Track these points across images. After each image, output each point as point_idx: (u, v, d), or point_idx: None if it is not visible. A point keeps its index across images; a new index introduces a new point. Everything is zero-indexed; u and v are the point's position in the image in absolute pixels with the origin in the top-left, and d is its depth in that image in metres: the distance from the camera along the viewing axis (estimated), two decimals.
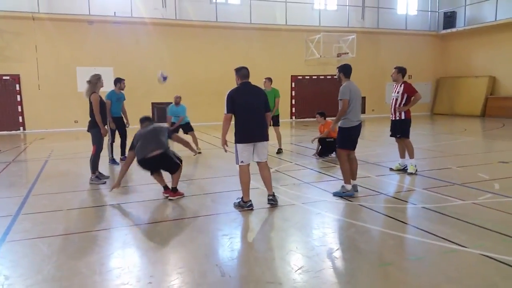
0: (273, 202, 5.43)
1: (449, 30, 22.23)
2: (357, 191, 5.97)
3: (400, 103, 7.46)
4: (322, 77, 20.80)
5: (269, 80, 9.96)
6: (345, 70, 6.01)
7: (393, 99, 7.58)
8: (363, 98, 21.71)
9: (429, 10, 23.14)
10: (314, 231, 4.60)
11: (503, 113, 19.28)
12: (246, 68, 5.46)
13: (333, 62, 20.72)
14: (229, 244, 4.16)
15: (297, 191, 6.22)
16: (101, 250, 4.09)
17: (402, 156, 7.64)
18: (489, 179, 6.85)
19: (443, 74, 23.27)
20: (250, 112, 5.18)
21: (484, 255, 3.77)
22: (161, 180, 5.95)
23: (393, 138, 7.86)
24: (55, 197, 6.15)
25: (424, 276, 3.43)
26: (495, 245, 4.00)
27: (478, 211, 5.17)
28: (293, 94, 20.47)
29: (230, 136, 5.28)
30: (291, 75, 20.29)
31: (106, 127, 7.07)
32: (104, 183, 6.88)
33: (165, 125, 9.80)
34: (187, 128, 10.41)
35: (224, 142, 5.39)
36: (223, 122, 5.26)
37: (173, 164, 5.77)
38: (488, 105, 20.38)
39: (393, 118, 7.61)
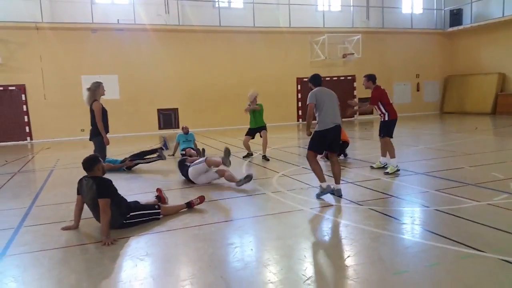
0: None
1: (455, 28, 21.93)
2: (340, 196, 5.87)
3: (379, 108, 7.65)
4: (328, 78, 20.56)
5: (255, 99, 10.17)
6: (314, 80, 6.17)
7: None
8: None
9: (435, 8, 22.86)
10: (323, 238, 4.43)
11: None
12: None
13: (339, 63, 20.57)
14: (234, 254, 4.00)
15: (305, 196, 6.05)
16: (103, 262, 3.96)
17: (383, 154, 7.82)
18: (503, 178, 6.62)
19: (451, 72, 22.96)
20: None
21: (504, 260, 3.57)
22: None
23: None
24: (59, 207, 6.05)
25: (442, 284, 3.25)
26: None
27: (494, 212, 4.96)
28: (299, 96, 20.29)
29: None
30: (297, 77, 20.13)
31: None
32: None
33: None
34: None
35: None
36: None
37: None
38: (499, 102, 20.03)
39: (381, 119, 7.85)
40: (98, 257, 4.10)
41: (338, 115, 5.99)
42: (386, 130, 7.64)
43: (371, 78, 7.65)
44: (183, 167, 7.42)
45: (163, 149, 8.79)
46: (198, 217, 5.26)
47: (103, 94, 7.03)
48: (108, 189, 4.72)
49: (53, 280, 3.60)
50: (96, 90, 6.89)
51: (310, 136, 6.02)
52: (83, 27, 16.36)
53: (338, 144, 6.13)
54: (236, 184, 6.67)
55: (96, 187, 4.64)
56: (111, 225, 4.63)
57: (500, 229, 4.30)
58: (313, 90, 6.02)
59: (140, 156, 8.95)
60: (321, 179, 5.86)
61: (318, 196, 5.86)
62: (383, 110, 7.57)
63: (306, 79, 20.05)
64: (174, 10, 17.79)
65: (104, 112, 6.89)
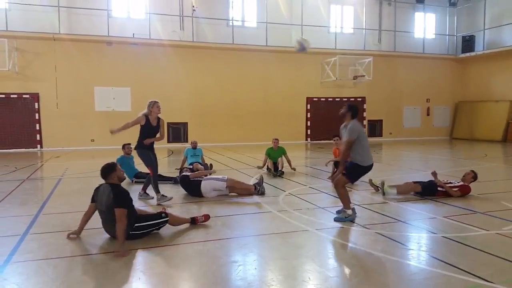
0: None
1: (467, 54, 21.99)
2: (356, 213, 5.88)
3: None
4: (338, 99, 20.69)
5: (277, 140, 10.41)
6: (355, 111, 5.89)
7: None
8: (380, 121, 21.55)
9: (447, 34, 22.98)
10: (328, 260, 4.39)
11: None
12: None
13: (349, 85, 20.65)
14: (238, 272, 3.98)
15: (311, 216, 6.02)
16: (106, 274, 3.95)
17: None
18: None
19: (462, 98, 22.91)
20: None
21: None
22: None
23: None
24: (65, 216, 6.07)
25: None
26: None
27: (502, 242, 4.88)
28: (308, 116, 20.36)
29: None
30: (307, 97, 20.24)
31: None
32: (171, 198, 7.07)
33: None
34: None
35: None
36: None
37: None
38: (510, 130, 19.88)
39: None
40: (101, 269, 4.10)
41: None
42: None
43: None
44: (189, 182, 7.43)
45: (177, 181, 8.95)
46: (203, 232, 5.24)
47: (158, 112, 7.28)
48: (126, 199, 4.79)
49: None
50: (148, 107, 7.21)
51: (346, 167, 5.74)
52: (99, 39, 16.69)
53: None
54: (257, 191, 7.07)
55: (113, 196, 4.69)
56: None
57: (509, 259, 4.23)
58: (355, 124, 5.71)
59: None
60: (348, 205, 5.75)
61: (341, 221, 5.71)
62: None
63: (315, 99, 20.25)
64: (188, 27, 18.10)
65: (146, 129, 7.07)
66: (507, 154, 15.84)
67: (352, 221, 5.67)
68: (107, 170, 4.95)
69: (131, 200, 4.89)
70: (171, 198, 7.01)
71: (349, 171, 5.76)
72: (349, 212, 5.74)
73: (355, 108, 5.97)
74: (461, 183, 7.38)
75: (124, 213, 4.63)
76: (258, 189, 6.98)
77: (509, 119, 20.04)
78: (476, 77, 22.23)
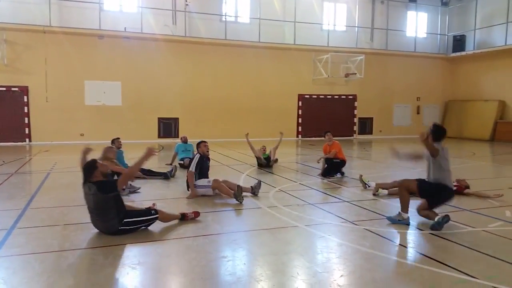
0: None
1: (458, 54, 22.16)
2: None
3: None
4: (329, 96, 20.76)
5: (264, 147, 10.80)
6: (438, 134, 5.59)
7: None
8: (371, 119, 21.66)
9: (439, 33, 23.14)
10: (317, 256, 4.41)
11: None
12: None
13: (341, 82, 20.70)
14: (227, 268, 3.98)
15: (301, 213, 6.04)
16: (94, 269, 3.94)
17: None
18: (499, 205, 6.62)
19: (452, 97, 23.12)
20: None
21: None
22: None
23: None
24: (53, 211, 6.02)
25: None
26: (508, 277, 3.79)
27: (489, 239, 4.95)
28: (300, 112, 20.39)
29: None
30: (298, 94, 20.26)
31: None
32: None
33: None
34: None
35: None
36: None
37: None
38: (498, 129, 20.12)
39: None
40: (89, 264, 4.08)
41: None
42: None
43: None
44: (201, 163, 7.29)
45: (168, 177, 8.88)
46: (192, 228, 5.24)
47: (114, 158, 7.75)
48: (111, 181, 5.00)
49: (41, 284, 3.57)
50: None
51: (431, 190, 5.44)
52: (90, 33, 16.50)
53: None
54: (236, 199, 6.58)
55: (102, 189, 4.70)
56: (107, 230, 4.76)
57: (494, 256, 4.29)
58: (446, 149, 5.50)
59: (147, 173, 8.95)
60: (406, 209, 5.49)
61: (393, 222, 5.51)
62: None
63: (307, 96, 20.29)
64: (181, 22, 17.98)
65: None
66: (494, 153, 16.04)
67: (407, 224, 5.43)
68: (90, 169, 4.86)
69: (115, 182, 4.93)
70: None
71: (434, 196, 5.44)
72: (405, 215, 5.48)
73: (441, 130, 5.65)
74: (456, 183, 7.42)
75: (120, 179, 4.88)
76: (237, 199, 6.67)
77: (497, 118, 20.28)
78: (466, 77, 22.43)
